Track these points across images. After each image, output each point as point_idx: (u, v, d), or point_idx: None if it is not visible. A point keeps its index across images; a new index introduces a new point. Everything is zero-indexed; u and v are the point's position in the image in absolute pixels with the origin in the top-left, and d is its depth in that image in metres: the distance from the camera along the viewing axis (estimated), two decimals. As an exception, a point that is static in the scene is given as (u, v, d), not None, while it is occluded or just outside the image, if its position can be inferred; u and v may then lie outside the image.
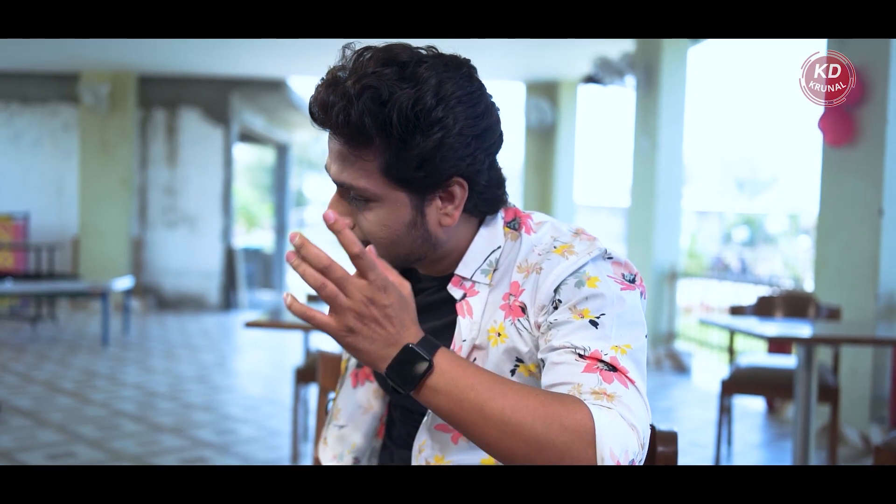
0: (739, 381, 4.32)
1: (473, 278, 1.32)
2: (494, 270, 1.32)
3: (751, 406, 6.32)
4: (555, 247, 1.27)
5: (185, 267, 12.19)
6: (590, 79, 10.39)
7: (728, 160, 37.54)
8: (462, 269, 1.33)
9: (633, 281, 1.26)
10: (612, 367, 1.14)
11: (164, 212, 12.19)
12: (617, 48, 8.76)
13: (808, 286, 7.81)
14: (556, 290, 1.22)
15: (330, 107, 1.21)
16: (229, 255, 12.40)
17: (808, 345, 3.61)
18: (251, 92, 12.41)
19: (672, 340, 8.27)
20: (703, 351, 8.48)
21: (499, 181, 1.33)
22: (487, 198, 1.32)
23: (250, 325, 3.66)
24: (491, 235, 1.34)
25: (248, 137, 14.66)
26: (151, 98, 12.02)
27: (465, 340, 1.30)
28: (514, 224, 1.36)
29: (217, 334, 10.03)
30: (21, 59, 10.95)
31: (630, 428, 1.08)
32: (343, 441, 1.52)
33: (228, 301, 12.33)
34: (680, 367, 7.87)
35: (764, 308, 4.69)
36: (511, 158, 12.35)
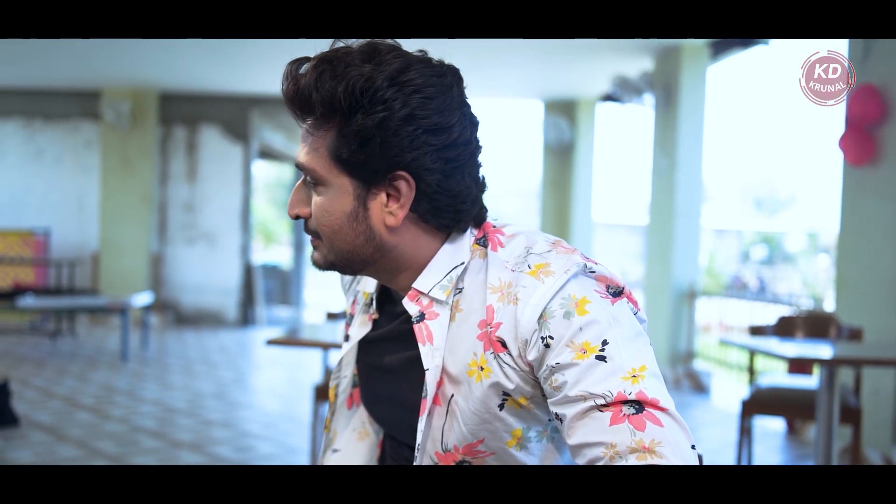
0: (760, 402, 4.29)
1: (431, 294, 1.25)
2: (460, 292, 1.25)
3: (771, 427, 6.28)
4: (529, 266, 1.19)
5: (203, 283, 12.24)
6: (608, 97, 10.40)
7: (746, 179, 37.43)
8: (420, 283, 1.26)
9: (619, 293, 1.20)
10: (639, 403, 1.09)
11: (183, 228, 12.25)
12: (636, 67, 8.76)
13: (828, 306, 7.76)
14: (540, 323, 1.14)
15: (284, 77, 1.21)
16: (247, 272, 12.44)
17: (830, 366, 3.59)
18: (271, 109, 12.48)
19: (691, 360, 8.23)
20: (723, 371, 8.43)
21: (463, 195, 1.24)
22: (444, 207, 1.23)
23: (272, 342, 3.66)
24: (455, 251, 1.27)
25: (267, 154, 14.73)
26: (172, 115, 12.10)
27: (428, 369, 1.25)
28: (483, 241, 1.28)
29: (235, 350, 10.05)
30: (44, 76, 11.06)
31: None
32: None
33: (246, 317, 12.36)
34: (699, 386, 7.82)
35: (785, 328, 4.66)
36: (529, 177, 12.36)
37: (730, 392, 7.69)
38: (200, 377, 7.94)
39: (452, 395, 1.24)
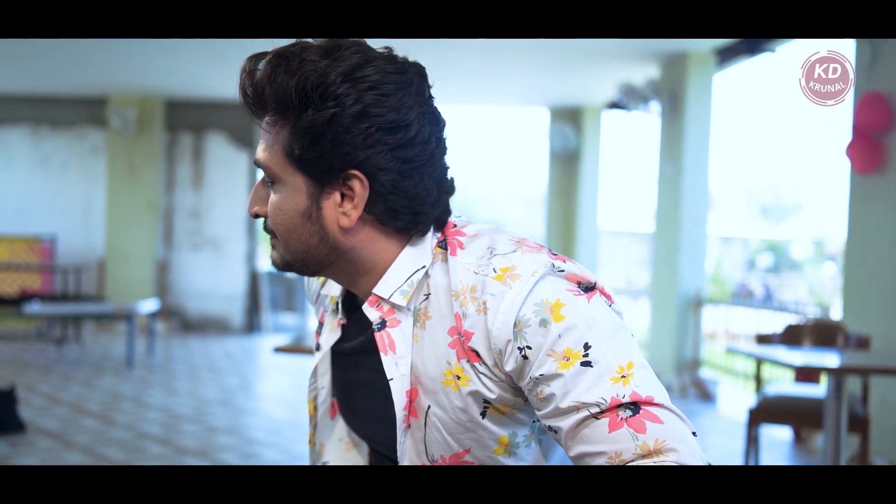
0: (767, 411, 4.28)
1: (392, 299, 1.20)
2: (427, 298, 1.21)
3: (778, 436, 6.25)
4: (494, 270, 1.14)
5: (209, 290, 12.25)
6: (614, 104, 10.40)
7: (752, 186, 37.39)
8: (380, 289, 1.21)
9: (591, 289, 1.15)
10: (635, 404, 1.08)
11: (189, 235, 12.26)
12: (642, 74, 8.76)
13: (834, 313, 7.74)
14: (515, 333, 1.10)
15: (241, 72, 1.19)
16: (253, 278, 12.44)
17: (838, 375, 3.58)
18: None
19: (697, 368, 8.21)
20: (729, 379, 8.41)
21: (421, 196, 1.19)
22: (400, 209, 1.19)
23: (279, 350, 3.66)
24: (417, 255, 1.22)
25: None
26: (178, 122, 12.12)
27: (392, 379, 1.22)
28: (444, 244, 1.23)
29: (241, 357, 10.05)
30: (50, 82, 11.09)
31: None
32: None
33: (252, 324, 12.36)
34: (705, 395, 7.80)
35: (792, 337, 4.65)
36: (535, 184, 12.36)
37: (736, 400, 7.67)
38: (206, 384, 7.94)
39: (429, 407, 1.21)
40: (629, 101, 8.81)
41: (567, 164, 11.56)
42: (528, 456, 1.26)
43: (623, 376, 1.09)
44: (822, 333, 4.66)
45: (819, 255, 29.36)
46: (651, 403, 1.08)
